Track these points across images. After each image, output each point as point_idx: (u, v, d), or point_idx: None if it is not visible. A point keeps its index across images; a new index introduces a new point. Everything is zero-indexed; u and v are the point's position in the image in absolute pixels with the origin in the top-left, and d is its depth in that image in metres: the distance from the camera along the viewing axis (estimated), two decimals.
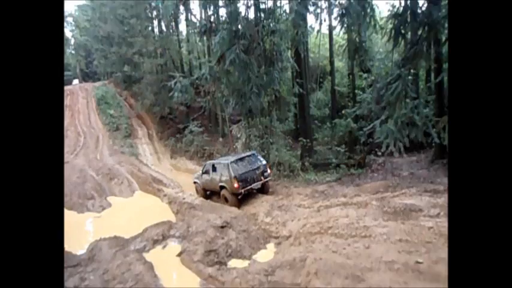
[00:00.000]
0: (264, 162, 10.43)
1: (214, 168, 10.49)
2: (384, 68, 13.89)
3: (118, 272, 5.56)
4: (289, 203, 8.89)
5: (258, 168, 9.98)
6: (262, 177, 10.02)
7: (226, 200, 9.99)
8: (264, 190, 10.41)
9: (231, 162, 9.69)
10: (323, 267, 4.54)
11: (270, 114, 14.52)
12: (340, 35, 19.37)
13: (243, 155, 10.52)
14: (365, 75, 13.06)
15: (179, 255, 6.41)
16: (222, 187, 10.05)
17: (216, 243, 6.56)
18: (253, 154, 10.60)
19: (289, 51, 12.35)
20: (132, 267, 5.68)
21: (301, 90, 12.08)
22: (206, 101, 13.17)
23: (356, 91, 13.24)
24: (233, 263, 6.04)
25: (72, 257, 6.99)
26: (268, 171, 10.42)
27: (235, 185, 9.38)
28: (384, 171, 10.09)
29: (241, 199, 9.86)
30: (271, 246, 6.76)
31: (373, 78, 13.22)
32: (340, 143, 13.89)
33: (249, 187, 9.63)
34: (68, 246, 7.76)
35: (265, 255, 6.37)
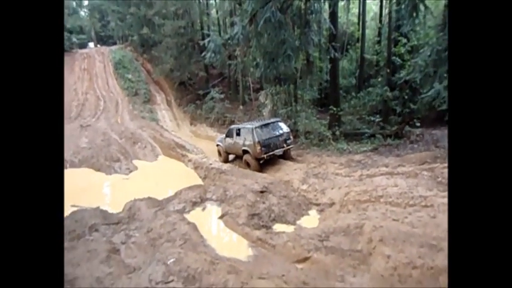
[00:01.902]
0: (288, 129, 10.35)
1: (238, 132, 10.52)
2: (423, 33, 12.82)
3: (163, 231, 5.43)
4: (324, 171, 8.62)
5: (281, 135, 9.97)
6: (284, 145, 10.01)
7: (247, 165, 10.03)
8: (285, 157, 10.42)
9: (256, 128, 9.71)
10: (388, 234, 4.25)
11: (297, 81, 13.88)
12: None
13: (268, 121, 10.48)
14: (404, 40, 12.12)
15: (221, 217, 6.25)
16: (244, 151, 10.10)
17: (258, 207, 6.35)
18: (278, 121, 10.57)
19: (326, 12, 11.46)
20: (177, 227, 5.53)
21: (336, 54, 11.31)
22: (236, 64, 12.54)
23: (393, 58, 12.38)
24: (278, 227, 5.85)
25: (110, 215, 6.92)
26: (291, 138, 10.36)
27: (258, 150, 9.41)
28: (425, 143, 9.57)
29: (265, 165, 9.87)
30: (313, 213, 6.53)
31: (414, 43, 12.24)
32: (370, 112, 13.25)
33: (271, 153, 9.66)
34: (102, 205, 7.77)
35: (309, 221, 6.16)
